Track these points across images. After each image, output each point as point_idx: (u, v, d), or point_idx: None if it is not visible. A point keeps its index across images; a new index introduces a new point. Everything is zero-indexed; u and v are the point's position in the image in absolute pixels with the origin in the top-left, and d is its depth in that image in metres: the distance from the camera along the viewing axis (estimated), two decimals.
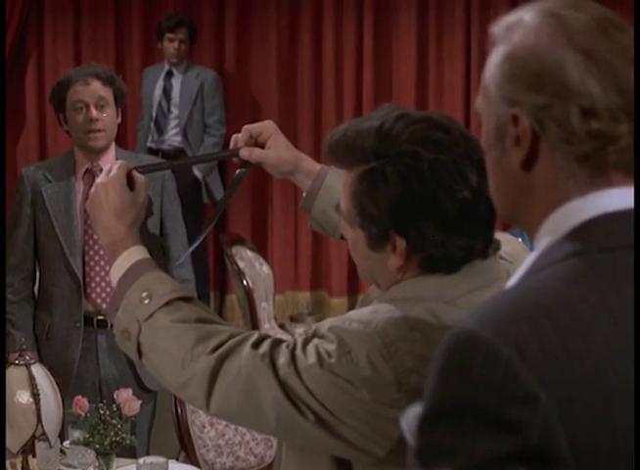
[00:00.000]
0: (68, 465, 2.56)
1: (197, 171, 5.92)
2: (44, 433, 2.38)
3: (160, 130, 6.04)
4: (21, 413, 2.36)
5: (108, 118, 3.25)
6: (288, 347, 1.52)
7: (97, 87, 3.24)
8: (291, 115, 6.23)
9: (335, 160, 1.57)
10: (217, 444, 3.12)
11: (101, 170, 3.24)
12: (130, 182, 1.77)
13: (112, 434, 2.49)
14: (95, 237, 3.27)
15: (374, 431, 1.45)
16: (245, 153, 1.88)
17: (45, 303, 3.34)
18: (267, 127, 1.90)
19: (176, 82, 6.07)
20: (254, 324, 4.68)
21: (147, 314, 1.60)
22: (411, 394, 1.42)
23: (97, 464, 2.51)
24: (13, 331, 3.27)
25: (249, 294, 4.65)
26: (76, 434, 2.54)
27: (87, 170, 3.31)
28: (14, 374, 2.37)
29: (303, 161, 1.91)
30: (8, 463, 2.47)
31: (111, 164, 1.80)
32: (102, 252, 3.27)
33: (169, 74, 6.09)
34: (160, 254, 3.31)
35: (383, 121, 1.50)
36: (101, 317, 3.26)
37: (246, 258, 4.77)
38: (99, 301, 3.27)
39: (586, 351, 0.94)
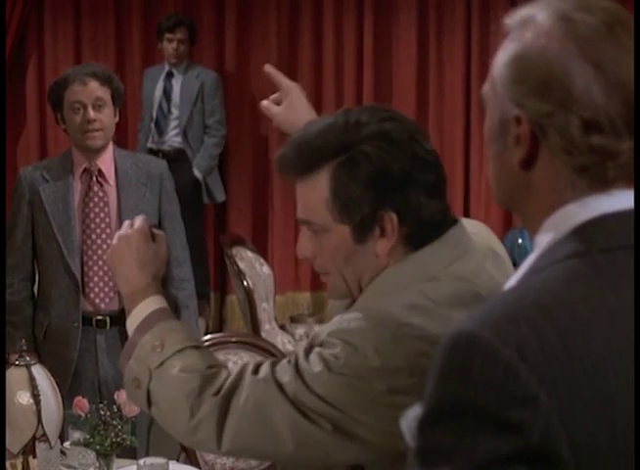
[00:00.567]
0: (69, 466, 2.55)
1: (197, 172, 5.92)
2: (44, 434, 2.36)
3: (161, 131, 6.04)
4: (21, 414, 2.33)
5: (105, 118, 3.25)
6: (289, 362, 1.55)
7: (94, 87, 3.23)
8: None
9: (291, 168, 1.59)
10: None
11: (99, 170, 3.31)
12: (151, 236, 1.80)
13: (112, 435, 2.48)
14: (93, 237, 3.27)
15: (392, 425, 1.42)
16: (264, 104, 2.01)
17: (43, 303, 3.34)
18: (290, 87, 2.05)
19: (176, 83, 6.06)
20: (255, 325, 4.68)
21: (158, 362, 1.62)
22: (424, 377, 1.41)
23: (97, 465, 2.51)
24: (13, 332, 3.26)
25: (249, 294, 4.65)
26: (77, 435, 2.53)
27: (85, 170, 3.31)
28: (14, 375, 2.36)
29: None
30: (8, 464, 2.46)
31: (132, 220, 1.82)
32: (100, 252, 3.28)
33: (170, 75, 6.08)
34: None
35: (341, 116, 1.56)
36: (99, 317, 3.26)
37: (246, 259, 4.77)
38: (97, 300, 3.27)
39: (586, 351, 0.95)
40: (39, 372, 2.40)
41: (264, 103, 1.98)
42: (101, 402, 2.60)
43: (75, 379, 3.26)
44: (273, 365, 1.55)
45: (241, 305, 4.98)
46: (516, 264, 4.31)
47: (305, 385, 1.49)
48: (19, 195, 3.31)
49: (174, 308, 3.40)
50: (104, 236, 3.29)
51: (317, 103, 6.24)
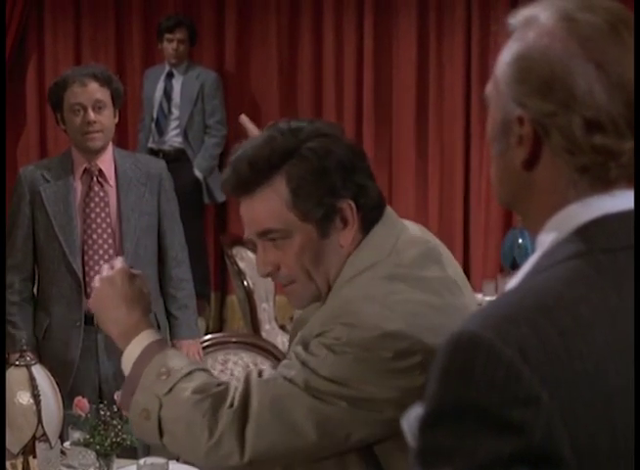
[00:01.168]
0: (69, 466, 2.55)
1: (197, 172, 5.91)
2: (44, 434, 2.35)
3: (161, 131, 6.03)
4: (21, 414, 2.31)
5: (105, 120, 3.26)
6: (290, 359, 1.61)
7: (94, 89, 3.24)
8: (291, 116, 6.18)
9: (245, 184, 1.64)
10: None
11: (99, 171, 3.32)
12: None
13: (112, 435, 2.47)
14: (94, 237, 3.29)
15: (403, 395, 1.50)
16: (245, 119, 1.97)
17: (43, 302, 3.35)
18: None
19: (177, 83, 6.06)
20: (255, 325, 4.68)
21: (167, 388, 1.63)
22: (422, 335, 1.52)
23: (97, 465, 2.50)
24: (13, 331, 3.27)
25: (249, 295, 4.65)
26: (77, 435, 2.52)
27: (85, 170, 3.32)
28: (14, 375, 2.35)
29: None
30: (8, 464, 2.46)
31: (110, 263, 1.83)
32: (101, 251, 3.30)
33: (170, 75, 6.08)
34: None
35: (272, 130, 1.65)
36: None
37: (246, 259, 4.76)
38: None
39: (587, 351, 0.95)
40: (39, 372, 2.39)
41: (244, 117, 2.00)
42: (101, 402, 2.60)
43: (76, 378, 3.26)
44: (276, 368, 1.60)
45: (241, 305, 4.98)
46: (516, 264, 4.32)
47: (313, 372, 1.54)
48: (19, 195, 3.32)
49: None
50: (105, 236, 3.30)
51: (317, 104, 6.24)
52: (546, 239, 1.06)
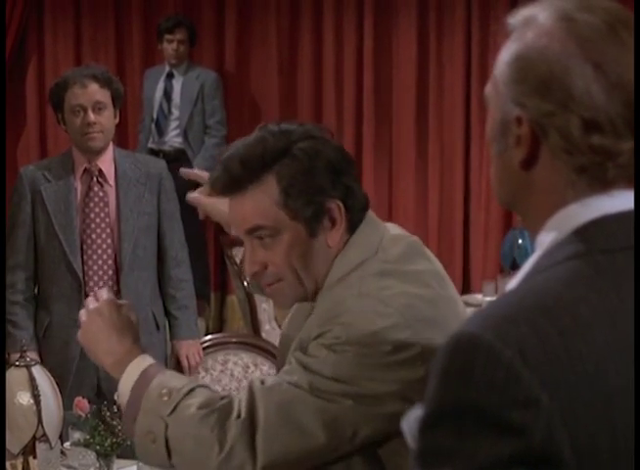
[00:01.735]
0: (69, 466, 2.54)
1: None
2: (44, 434, 2.33)
3: (161, 131, 6.03)
4: (21, 414, 2.28)
5: (105, 121, 3.28)
6: (290, 364, 1.62)
7: (94, 90, 3.25)
8: (291, 116, 6.21)
9: (236, 183, 1.66)
10: None
11: (99, 170, 3.32)
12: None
13: (112, 435, 2.47)
14: (93, 236, 3.30)
15: (405, 387, 1.53)
16: (192, 196, 2.02)
17: (44, 301, 3.36)
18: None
19: (177, 84, 6.06)
20: (255, 325, 4.67)
21: (170, 408, 1.62)
22: (419, 325, 1.57)
23: (97, 465, 2.50)
24: (14, 331, 3.28)
25: (249, 295, 4.64)
26: (77, 435, 2.50)
27: (85, 170, 3.34)
28: (14, 375, 2.34)
29: None
30: (8, 464, 2.45)
31: (95, 293, 1.83)
32: (100, 251, 3.32)
33: (170, 76, 6.08)
34: None
35: (264, 131, 1.68)
36: None
37: None
38: None
39: (587, 352, 0.94)
40: (39, 373, 2.38)
41: (192, 195, 2.01)
42: (102, 402, 2.60)
43: (75, 377, 3.26)
44: (277, 373, 1.61)
45: (241, 306, 4.97)
46: (516, 265, 4.30)
47: (317, 373, 1.56)
48: (19, 194, 3.33)
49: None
50: (104, 235, 3.31)
51: (317, 104, 6.24)
52: (545, 239, 1.06)
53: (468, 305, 4.32)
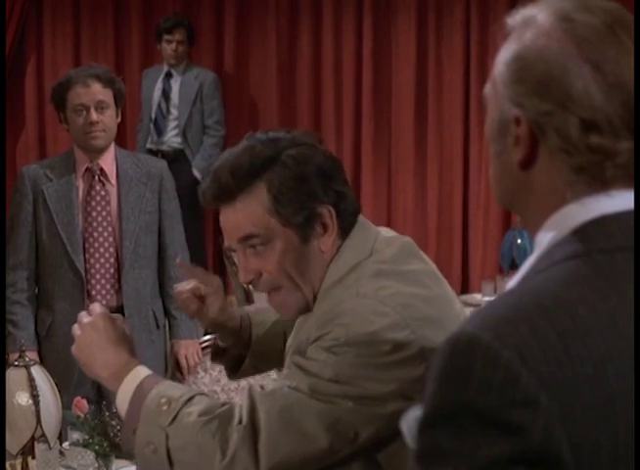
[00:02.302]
0: (68, 467, 2.53)
1: (196, 172, 5.90)
2: (43, 434, 2.33)
3: (160, 131, 6.03)
4: (20, 415, 2.30)
5: (108, 120, 3.28)
6: (290, 368, 1.62)
7: (97, 89, 3.26)
8: (290, 116, 6.22)
9: (226, 193, 1.66)
10: None
11: (101, 169, 3.33)
12: None
13: (111, 435, 2.44)
14: (95, 235, 3.31)
15: (405, 387, 1.53)
16: (186, 303, 1.94)
17: (46, 300, 3.36)
18: (212, 283, 1.96)
19: (175, 83, 6.05)
20: None
21: (170, 418, 1.61)
22: (416, 323, 1.57)
23: (96, 466, 2.49)
24: (14, 331, 3.28)
25: (248, 295, 4.64)
26: (76, 435, 2.50)
27: (87, 169, 3.34)
28: (13, 375, 2.34)
29: (230, 322, 1.96)
30: (7, 465, 2.45)
31: (89, 309, 1.80)
32: (102, 249, 3.33)
33: (168, 76, 6.07)
34: None
35: (251, 140, 1.68)
36: None
37: None
38: (99, 297, 3.29)
39: (586, 352, 0.94)
40: (38, 373, 2.37)
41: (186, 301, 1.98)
42: (101, 402, 2.59)
43: (79, 376, 3.26)
44: (276, 378, 1.57)
45: (240, 306, 4.97)
46: (515, 265, 4.29)
47: (317, 376, 1.56)
48: (21, 194, 3.33)
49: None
50: (105, 234, 3.33)
51: (316, 104, 6.24)
52: (544, 239, 1.06)
53: (467, 304, 4.33)
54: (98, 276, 3.32)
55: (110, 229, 3.32)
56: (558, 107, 1.03)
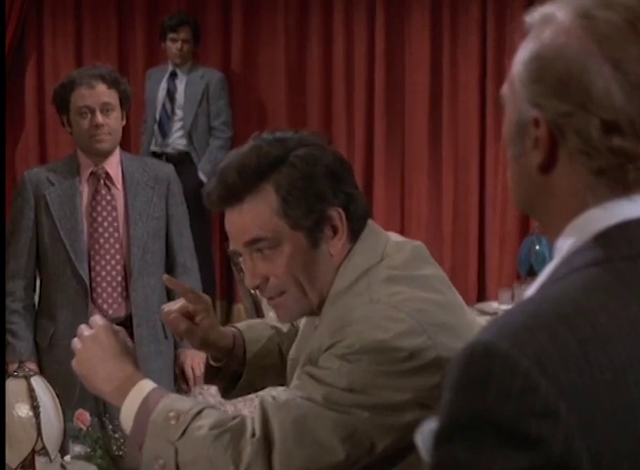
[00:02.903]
0: None
1: (202, 175, 5.86)
2: (44, 447, 2.32)
3: (164, 133, 6.01)
4: (20, 427, 2.31)
5: (113, 122, 3.27)
6: (300, 379, 1.60)
7: (102, 91, 3.23)
8: (300, 117, 6.20)
9: (233, 195, 1.64)
10: None
11: (106, 173, 3.27)
12: None
13: (114, 448, 2.44)
14: (101, 241, 3.31)
15: (421, 394, 1.52)
16: (174, 323, 1.90)
17: (48, 309, 3.33)
18: (201, 301, 1.92)
19: (180, 84, 6.04)
20: None
21: (180, 432, 1.59)
22: (432, 329, 1.56)
23: None
24: (13, 341, 3.25)
25: (256, 303, 4.65)
26: (78, 448, 2.50)
27: (92, 173, 3.31)
28: (12, 386, 2.32)
29: (222, 340, 1.94)
30: None
31: (90, 322, 1.77)
32: (108, 256, 3.30)
33: (173, 75, 6.06)
34: None
35: (258, 140, 1.67)
36: None
37: None
38: (105, 306, 3.26)
39: (607, 360, 0.94)
40: (39, 383, 2.38)
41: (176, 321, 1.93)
42: (104, 412, 2.57)
43: (82, 388, 3.21)
44: (288, 388, 1.60)
45: (247, 314, 4.99)
46: (533, 272, 4.22)
47: (331, 385, 1.54)
48: (22, 199, 3.31)
49: None
50: (112, 240, 3.29)
51: (327, 106, 6.23)
52: (564, 245, 1.05)
53: (483, 313, 4.31)
54: (104, 284, 3.28)
55: (116, 235, 3.29)
56: (578, 107, 1.02)
